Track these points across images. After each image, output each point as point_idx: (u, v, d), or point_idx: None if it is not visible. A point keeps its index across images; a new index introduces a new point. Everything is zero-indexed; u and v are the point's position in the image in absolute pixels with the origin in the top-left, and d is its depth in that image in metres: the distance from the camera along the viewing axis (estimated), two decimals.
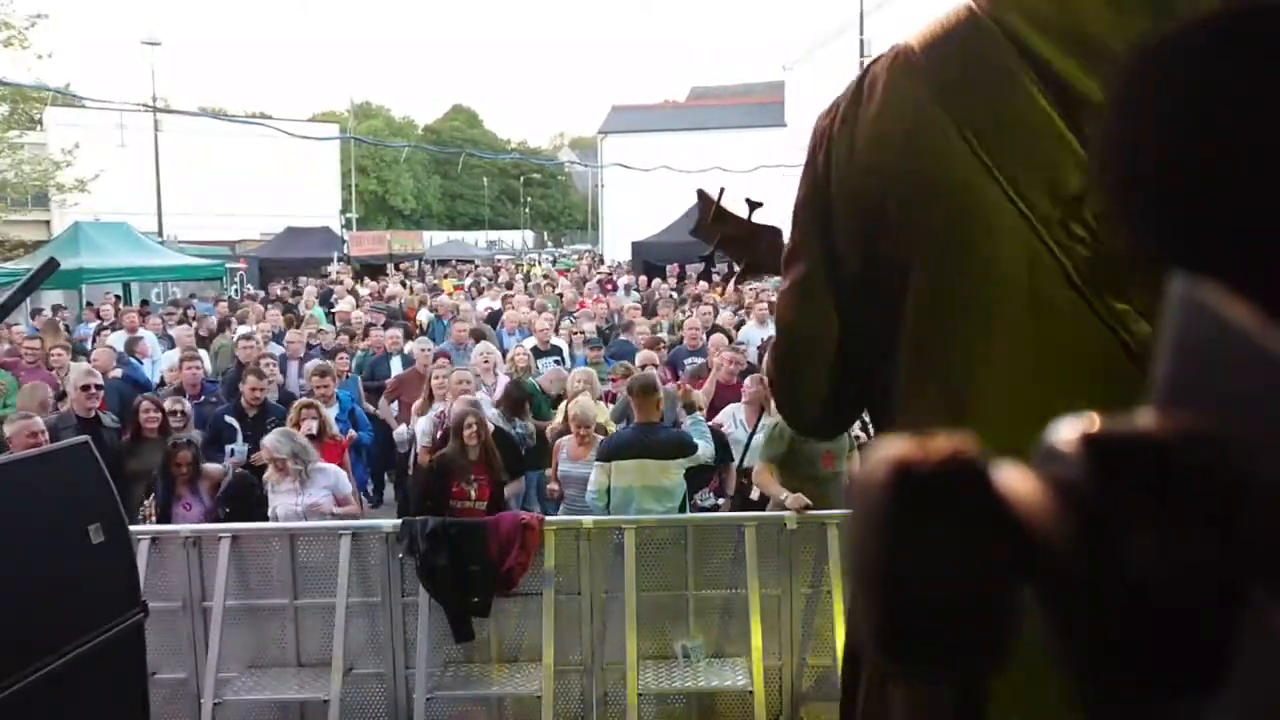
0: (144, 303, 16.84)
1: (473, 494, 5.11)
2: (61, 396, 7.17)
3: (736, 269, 2.00)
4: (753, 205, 1.92)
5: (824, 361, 1.30)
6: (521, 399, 6.83)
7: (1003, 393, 1.08)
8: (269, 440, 5.37)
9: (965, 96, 1.12)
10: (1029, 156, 1.07)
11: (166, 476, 5.51)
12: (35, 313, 13.39)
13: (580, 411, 5.73)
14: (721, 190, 2.00)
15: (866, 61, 1.27)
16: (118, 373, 8.37)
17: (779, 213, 1.75)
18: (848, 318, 1.26)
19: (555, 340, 9.33)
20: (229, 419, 6.49)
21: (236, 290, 21.98)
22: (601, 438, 5.71)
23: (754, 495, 5.73)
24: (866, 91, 1.22)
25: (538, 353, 8.82)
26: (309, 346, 9.37)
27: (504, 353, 8.44)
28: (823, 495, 4.88)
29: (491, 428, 5.64)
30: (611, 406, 6.76)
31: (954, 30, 1.16)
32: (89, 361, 8.02)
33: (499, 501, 5.29)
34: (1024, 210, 1.06)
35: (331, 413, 6.68)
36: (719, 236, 1.92)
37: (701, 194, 1.99)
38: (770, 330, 9.83)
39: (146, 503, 5.43)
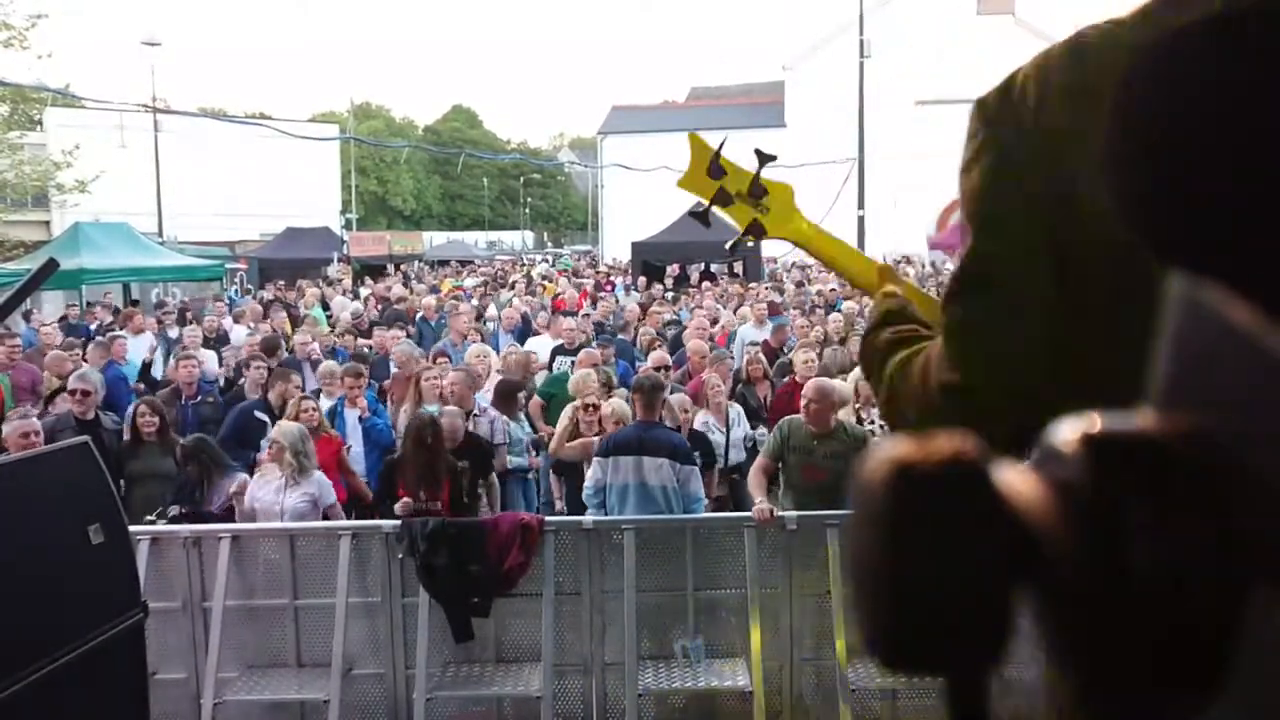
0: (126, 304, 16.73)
1: (422, 496, 5.03)
2: (52, 395, 7.17)
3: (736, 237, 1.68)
4: (763, 158, 1.61)
5: None
6: (511, 395, 6.79)
7: None
8: (284, 424, 5.41)
9: None
10: None
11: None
12: (27, 315, 13.31)
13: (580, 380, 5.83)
14: (723, 141, 1.65)
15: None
16: None
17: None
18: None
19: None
20: (259, 414, 6.55)
21: (236, 290, 21.94)
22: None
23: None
24: None
25: (562, 351, 8.72)
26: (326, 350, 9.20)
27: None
28: (804, 506, 4.93)
29: (462, 434, 5.53)
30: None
31: None
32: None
33: (461, 506, 5.15)
34: None
35: (355, 414, 6.70)
36: (716, 191, 1.61)
37: (695, 140, 1.64)
38: (765, 331, 9.75)
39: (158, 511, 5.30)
